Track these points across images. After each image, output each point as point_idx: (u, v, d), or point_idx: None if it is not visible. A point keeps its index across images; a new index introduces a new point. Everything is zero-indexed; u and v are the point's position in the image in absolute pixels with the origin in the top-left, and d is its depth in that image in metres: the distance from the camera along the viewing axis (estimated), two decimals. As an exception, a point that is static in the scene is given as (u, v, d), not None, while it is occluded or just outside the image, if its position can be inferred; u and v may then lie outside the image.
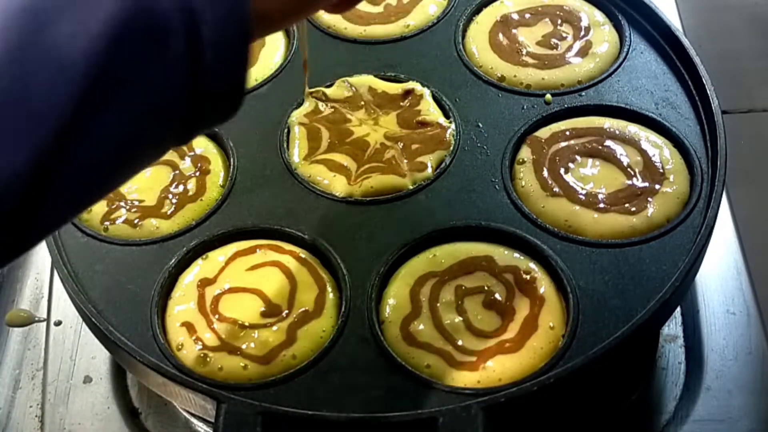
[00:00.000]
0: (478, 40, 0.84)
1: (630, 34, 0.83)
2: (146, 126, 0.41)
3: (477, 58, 0.83)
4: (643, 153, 0.73)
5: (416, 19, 0.87)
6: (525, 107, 0.78)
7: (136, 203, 0.74)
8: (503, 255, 0.68)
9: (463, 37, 0.85)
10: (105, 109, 0.39)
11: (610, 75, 0.80)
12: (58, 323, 0.81)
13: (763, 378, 0.73)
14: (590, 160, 0.73)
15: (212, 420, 0.59)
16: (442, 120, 0.77)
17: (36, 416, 0.75)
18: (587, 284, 0.66)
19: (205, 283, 0.68)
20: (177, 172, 0.76)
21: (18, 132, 0.37)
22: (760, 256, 0.80)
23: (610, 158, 0.73)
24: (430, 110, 0.78)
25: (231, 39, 0.41)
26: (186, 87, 0.41)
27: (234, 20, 0.41)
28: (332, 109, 0.79)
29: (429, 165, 0.74)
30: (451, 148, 0.75)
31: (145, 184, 0.75)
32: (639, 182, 0.71)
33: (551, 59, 0.81)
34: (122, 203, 0.74)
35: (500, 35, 0.84)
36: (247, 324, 0.65)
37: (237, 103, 0.45)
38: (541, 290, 0.66)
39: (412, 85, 0.80)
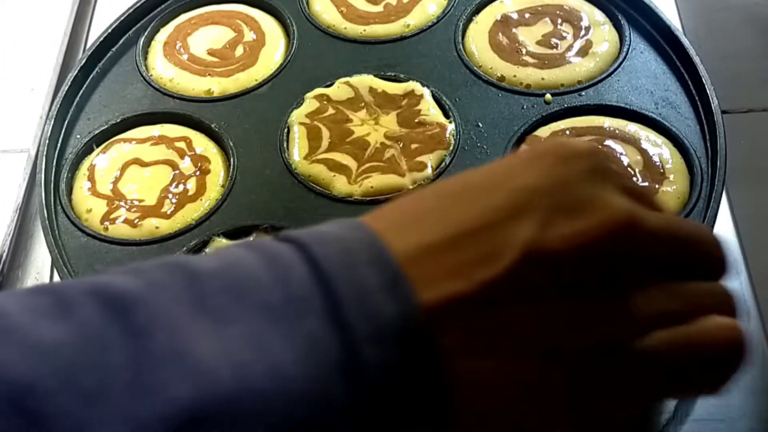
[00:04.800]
0: (477, 39, 0.84)
1: (630, 33, 0.83)
2: None
3: (477, 58, 0.83)
4: (642, 152, 0.73)
5: (416, 18, 0.87)
6: (525, 107, 0.78)
7: (136, 203, 0.74)
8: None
9: (463, 36, 0.85)
10: None
11: (610, 75, 0.80)
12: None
13: (763, 378, 0.73)
14: (590, 160, 0.73)
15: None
16: (442, 120, 0.77)
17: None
18: (587, 284, 0.65)
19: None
20: (177, 171, 0.76)
21: None
22: (760, 256, 0.79)
23: (609, 158, 0.73)
24: (430, 110, 0.78)
25: None
26: None
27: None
28: (334, 110, 0.79)
29: (429, 165, 0.74)
30: (451, 147, 0.75)
31: (145, 184, 0.75)
32: (639, 182, 0.71)
33: (551, 59, 0.81)
34: (122, 203, 0.74)
35: (500, 35, 0.84)
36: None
37: None
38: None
39: (412, 86, 0.80)
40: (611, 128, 0.75)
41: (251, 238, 0.70)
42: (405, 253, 0.31)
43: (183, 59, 0.85)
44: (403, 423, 0.31)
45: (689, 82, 0.78)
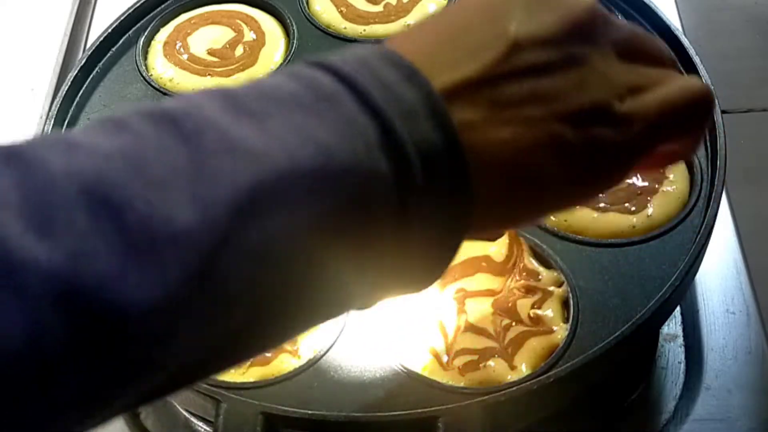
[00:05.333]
0: (478, 39, 0.84)
1: (630, 33, 0.83)
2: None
3: (477, 58, 0.82)
4: (642, 153, 0.73)
5: (416, 18, 0.87)
6: (525, 107, 0.78)
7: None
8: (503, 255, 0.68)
9: (463, 36, 0.85)
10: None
11: (609, 75, 0.79)
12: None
13: (762, 377, 0.73)
14: (590, 160, 0.73)
15: (212, 420, 0.59)
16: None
17: (36, 416, 0.75)
18: (587, 284, 0.65)
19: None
20: (177, 171, 0.76)
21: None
22: (760, 256, 0.80)
23: None
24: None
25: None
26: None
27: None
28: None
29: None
30: (451, 147, 0.75)
31: (145, 184, 0.75)
32: (639, 181, 0.71)
33: (551, 59, 0.81)
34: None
35: (500, 35, 0.84)
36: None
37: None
38: (541, 290, 0.66)
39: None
40: (611, 128, 0.75)
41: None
42: (413, 53, 0.37)
43: (183, 59, 0.85)
44: (437, 197, 0.35)
45: (689, 82, 0.78)
